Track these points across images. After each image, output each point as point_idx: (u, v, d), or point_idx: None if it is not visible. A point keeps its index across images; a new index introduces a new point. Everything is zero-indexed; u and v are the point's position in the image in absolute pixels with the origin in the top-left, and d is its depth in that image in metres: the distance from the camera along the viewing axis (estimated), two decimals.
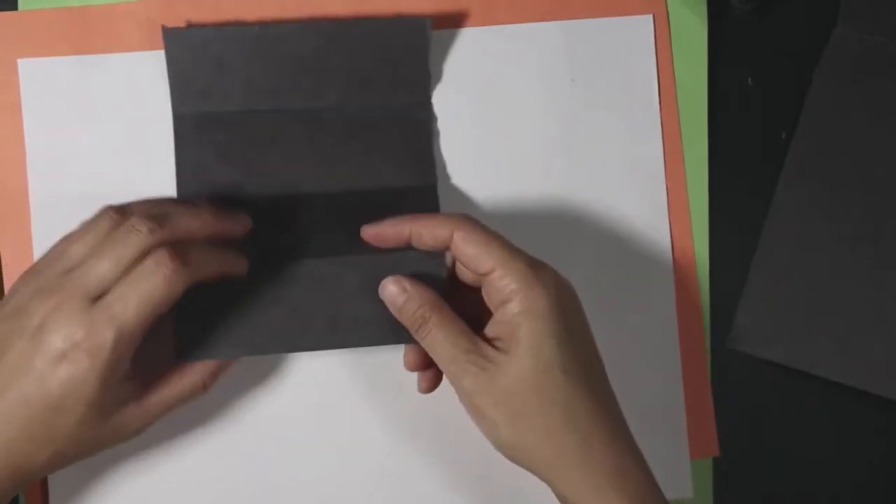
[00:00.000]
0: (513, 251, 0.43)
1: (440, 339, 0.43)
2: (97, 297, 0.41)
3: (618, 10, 0.53)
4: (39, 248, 0.48)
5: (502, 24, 0.52)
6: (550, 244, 0.51)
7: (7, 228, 0.49)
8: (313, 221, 0.48)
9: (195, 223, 0.43)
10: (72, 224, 0.48)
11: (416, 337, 0.44)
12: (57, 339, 0.40)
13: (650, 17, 0.53)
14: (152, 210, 0.43)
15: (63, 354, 0.40)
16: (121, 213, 0.43)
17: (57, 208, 0.49)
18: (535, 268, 0.43)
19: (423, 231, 0.44)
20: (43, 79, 0.49)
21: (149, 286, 0.41)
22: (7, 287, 0.48)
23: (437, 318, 0.43)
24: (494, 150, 0.52)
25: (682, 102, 0.53)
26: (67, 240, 0.43)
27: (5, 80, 0.49)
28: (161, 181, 0.49)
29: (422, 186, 0.50)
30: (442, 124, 0.51)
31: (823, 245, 0.53)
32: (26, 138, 0.49)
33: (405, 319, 0.44)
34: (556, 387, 0.41)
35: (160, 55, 0.48)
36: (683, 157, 0.53)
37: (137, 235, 0.41)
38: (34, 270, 0.43)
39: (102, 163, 0.49)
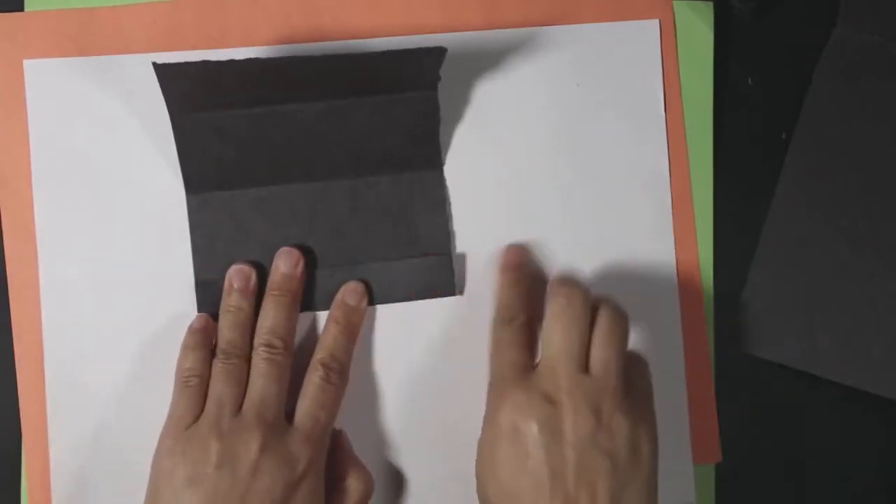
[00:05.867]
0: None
1: None
2: (285, 419, 0.45)
3: (623, 15, 0.53)
4: (43, 249, 0.49)
5: (508, 27, 0.52)
6: (554, 248, 0.52)
7: (11, 229, 0.49)
8: (319, 206, 0.50)
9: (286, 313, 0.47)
10: (74, 226, 0.49)
11: None
12: (285, 471, 0.42)
13: (656, 22, 0.53)
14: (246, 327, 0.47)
15: (297, 482, 0.43)
16: (226, 354, 0.46)
17: (61, 210, 0.49)
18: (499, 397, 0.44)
19: None
20: (48, 80, 0.49)
21: (327, 393, 0.46)
22: (12, 294, 0.49)
23: None
24: (499, 154, 0.52)
25: (687, 108, 0.53)
26: (187, 389, 0.46)
27: (11, 80, 0.49)
28: (166, 181, 0.49)
29: (428, 174, 0.51)
30: (447, 128, 0.51)
31: (823, 245, 0.53)
32: (31, 139, 0.49)
33: None
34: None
35: (166, 57, 0.49)
36: (688, 162, 0.53)
37: (281, 359, 0.46)
38: (180, 426, 0.44)
39: (107, 164, 0.49)
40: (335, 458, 0.47)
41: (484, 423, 0.45)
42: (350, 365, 0.48)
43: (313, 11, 0.51)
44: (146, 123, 0.49)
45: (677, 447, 0.52)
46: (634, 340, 0.52)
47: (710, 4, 0.53)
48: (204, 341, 0.47)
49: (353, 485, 0.46)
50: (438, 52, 0.46)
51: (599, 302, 0.45)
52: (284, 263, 0.48)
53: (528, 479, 0.42)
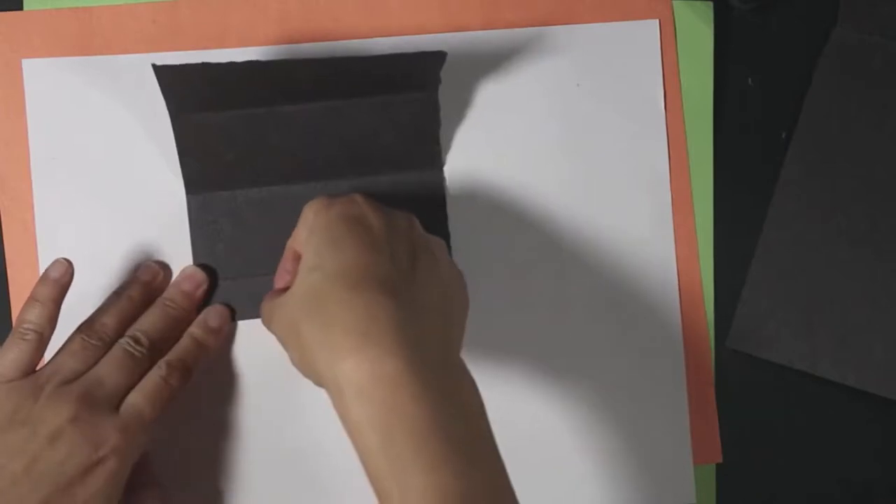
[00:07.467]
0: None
1: None
2: (114, 406, 0.43)
3: (623, 15, 0.53)
4: (43, 248, 0.49)
5: (508, 28, 0.52)
6: (555, 247, 0.52)
7: (11, 229, 0.49)
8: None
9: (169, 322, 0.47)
10: (75, 225, 0.49)
11: None
12: (85, 449, 0.41)
13: (656, 22, 0.53)
14: (126, 322, 0.46)
15: (94, 465, 0.41)
16: (91, 332, 0.45)
17: (61, 209, 0.49)
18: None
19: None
20: (47, 79, 0.49)
21: (161, 392, 0.44)
22: (12, 294, 0.49)
23: None
24: (500, 154, 0.52)
25: (687, 107, 0.53)
26: (22, 343, 0.44)
27: (10, 80, 0.49)
28: (166, 181, 0.49)
29: (428, 173, 0.51)
30: (447, 128, 0.51)
31: (823, 245, 0.53)
32: (30, 139, 0.49)
33: None
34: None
35: (164, 57, 0.49)
36: (688, 162, 0.53)
37: (139, 355, 0.45)
38: (14, 381, 0.43)
39: (106, 164, 0.49)
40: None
41: None
42: (194, 374, 0.47)
43: (313, 11, 0.51)
44: (146, 123, 0.49)
45: (677, 447, 0.53)
46: (635, 341, 0.52)
47: (710, 4, 0.53)
48: (54, 295, 0.45)
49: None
50: (439, 56, 0.46)
51: None
52: (186, 282, 0.48)
53: None
